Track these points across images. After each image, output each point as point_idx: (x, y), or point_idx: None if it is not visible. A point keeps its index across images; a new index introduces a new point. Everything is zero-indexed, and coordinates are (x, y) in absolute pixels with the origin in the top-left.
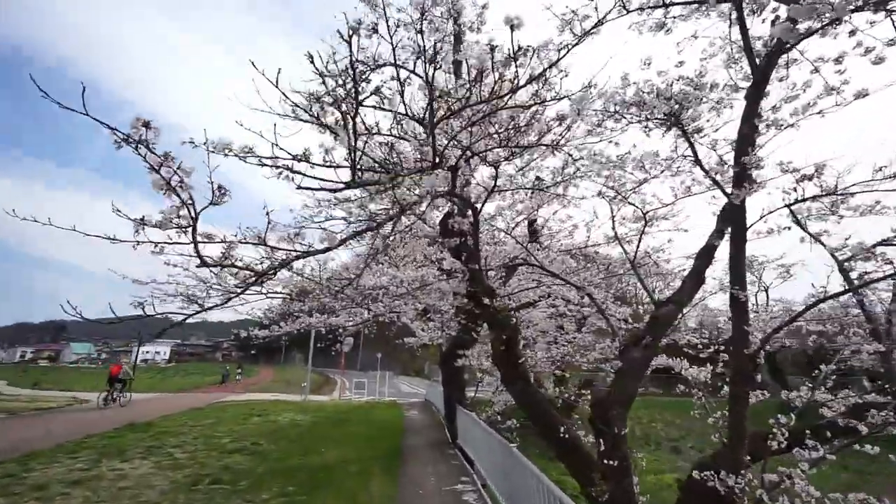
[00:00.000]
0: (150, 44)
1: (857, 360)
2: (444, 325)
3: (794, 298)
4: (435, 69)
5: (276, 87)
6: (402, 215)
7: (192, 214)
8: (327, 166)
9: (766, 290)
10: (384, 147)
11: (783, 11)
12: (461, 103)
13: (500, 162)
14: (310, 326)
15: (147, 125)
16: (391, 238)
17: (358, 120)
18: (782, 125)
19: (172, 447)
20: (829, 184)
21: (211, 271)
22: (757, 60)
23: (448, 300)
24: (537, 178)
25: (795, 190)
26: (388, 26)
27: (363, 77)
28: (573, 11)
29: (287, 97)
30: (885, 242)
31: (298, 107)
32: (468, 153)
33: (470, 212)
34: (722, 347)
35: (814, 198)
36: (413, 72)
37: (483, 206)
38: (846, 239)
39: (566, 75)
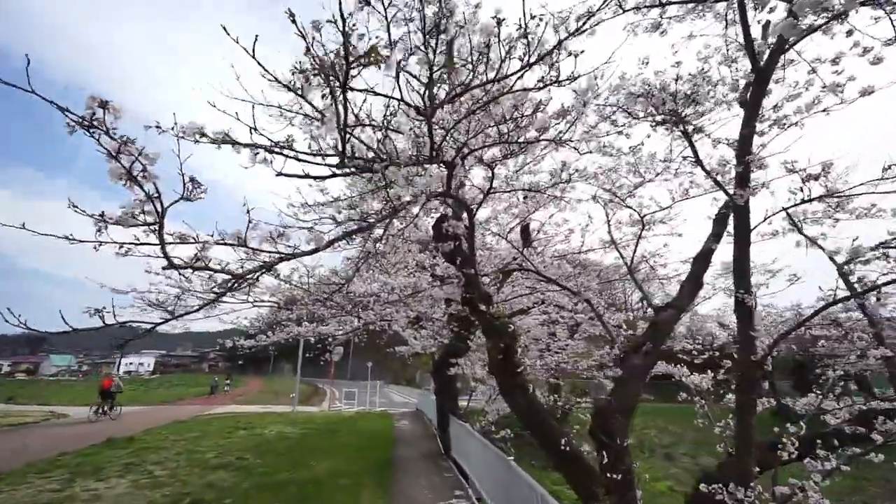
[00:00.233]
0: (149, 44)
1: (860, 365)
2: (437, 334)
3: (777, 304)
4: (437, 40)
5: (253, 56)
6: (394, 216)
7: (159, 209)
8: (313, 154)
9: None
10: (377, 131)
11: (779, 12)
12: (462, 87)
13: (497, 162)
14: (298, 335)
15: (104, 105)
16: (383, 241)
17: (349, 96)
18: (785, 124)
19: (152, 464)
20: (834, 184)
21: (181, 274)
22: (758, 58)
23: (440, 308)
24: (529, 189)
25: (802, 190)
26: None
27: (354, 56)
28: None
29: (267, 70)
30: (884, 245)
31: (279, 81)
32: (465, 150)
33: (465, 214)
34: (717, 353)
35: (820, 198)
36: (410, 50)
37: (479, 208)
38: (854, 240)
39: (582, 52)
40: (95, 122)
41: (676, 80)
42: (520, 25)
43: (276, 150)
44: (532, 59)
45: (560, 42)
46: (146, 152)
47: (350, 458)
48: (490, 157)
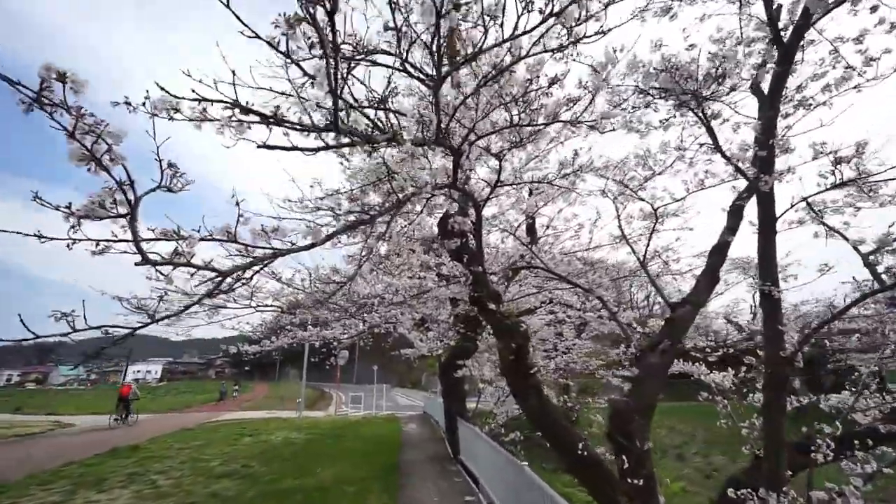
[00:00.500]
0: (148, 45)
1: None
2: (443, 335)
3: (787, 298)
4: None
5: (228, 6)
6: (398, 209)
7: (131, 199)
8: (303, 128)
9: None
10: (372, 94)
11: None
12: (474, 50)
13: (505, 153)
14: (303, 340)
15: (62, 78)
16: (387, 237)
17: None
18: (811, 105)
19: (156, 473)
20: (866, 166)
21: (158, 272)
22: (781, 36)
23: (446, 308)
24: (538, 181)
25: (834, 173)
26: None
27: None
28: None
29: (247, 26)
30: None
31: (261, 37)
32: (472, 136)
33: (472, 209)
34: (731, 350)
35: (854, 181)
36: None
37: (486, 201)
38: (890, 227)
39: (606, 16)
40: (49, 97)
41: (695, 60)
42: None
43: (262, 121)
44: (555, 8)
45: None
46: (110, 129)
47: (357, 464)
48: (498, 149)
